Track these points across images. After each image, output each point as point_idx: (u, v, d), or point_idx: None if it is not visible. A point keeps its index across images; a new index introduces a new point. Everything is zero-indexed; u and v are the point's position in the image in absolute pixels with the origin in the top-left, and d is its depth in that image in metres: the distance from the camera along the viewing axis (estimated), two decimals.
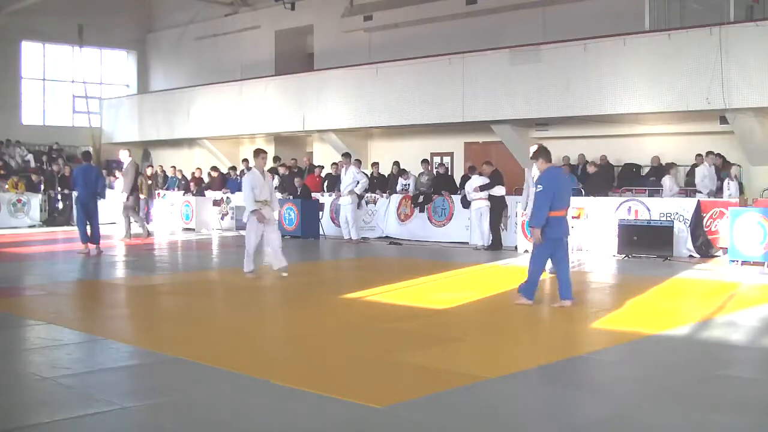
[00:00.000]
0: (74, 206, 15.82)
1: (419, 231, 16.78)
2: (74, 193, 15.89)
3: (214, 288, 10.48)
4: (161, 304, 9.06)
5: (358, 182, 16.66)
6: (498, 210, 14.93)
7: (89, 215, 13.54)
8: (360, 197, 17.10)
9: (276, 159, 21.21)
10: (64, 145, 27.77)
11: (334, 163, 19.67)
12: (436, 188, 16.87)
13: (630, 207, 13.98)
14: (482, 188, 14.90)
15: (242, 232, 18.75)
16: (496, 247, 14.74)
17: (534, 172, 9.68)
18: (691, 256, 13.09)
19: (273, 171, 20.58)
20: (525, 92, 17.19)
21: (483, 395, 5.02)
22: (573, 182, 16.22)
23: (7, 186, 21.83)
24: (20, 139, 26.44)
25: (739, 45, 14.33)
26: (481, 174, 15.23)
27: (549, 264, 8.74)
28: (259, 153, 10.57)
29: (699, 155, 15.69)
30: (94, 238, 13.51)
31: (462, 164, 20.53)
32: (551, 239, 8.12)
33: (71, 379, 5.27)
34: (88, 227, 13.49)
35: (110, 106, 29.14)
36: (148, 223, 21.58)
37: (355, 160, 18.53)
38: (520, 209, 13.35)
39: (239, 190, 20.65)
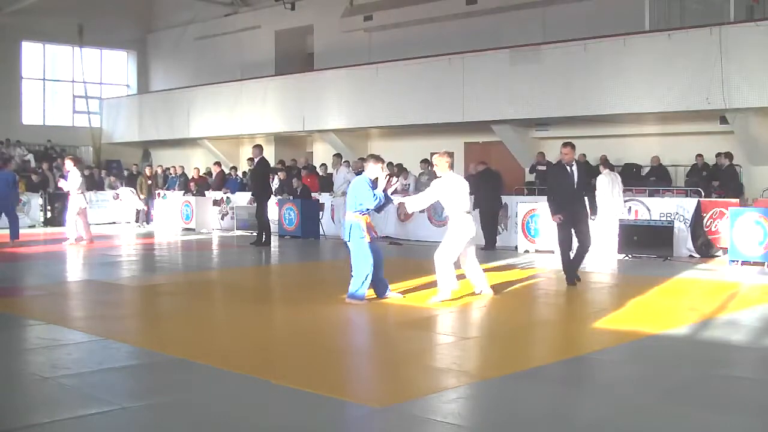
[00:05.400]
0: None
1: (419, 231, 16.75)
2: None
3: (214, 288, 10.48)
4: (161, 304, 9.06)
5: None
6: (488, 211, 14.86)
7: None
8: None
9: (281, 162, 21.26)
10: (64, 145, 27.81)
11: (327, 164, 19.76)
12: None
13: (630, 207, 13.99)
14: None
15: (242, 233, 18.84)
16: (489, 246, 14.68)
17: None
18: (691, 256, 13.09)
19: (272, 172, 20.62)
20: (525, 92, 17.19)
21: (483, 395, 5.02)
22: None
23: None
24: (20, 139, 26.45)
25: (739, 45, 14.33)
26: (471, 172, 15.36)
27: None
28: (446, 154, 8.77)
29: (699, 155, 15.71)
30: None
31: (463, 164, 20.55)
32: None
33: (71, 379, 5.26)
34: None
35: (110, 106, 29.14)
36: (148, 223, 21.70)
37: (345, 161, 18.54)
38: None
39: (240, 190, 20.75)
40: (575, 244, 9.76)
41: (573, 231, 9.62)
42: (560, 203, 9.57)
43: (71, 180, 15.56)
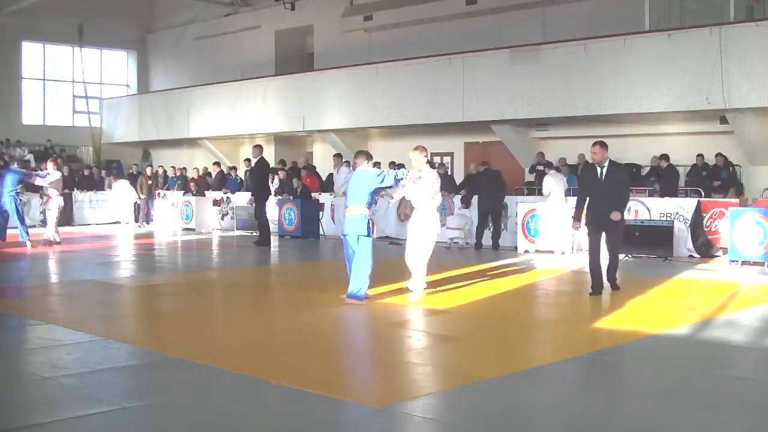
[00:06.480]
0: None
1: None
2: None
3: (214, 288, 10.47)
4: (161, 304, 9.06)
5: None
6: (492, 210, 14.85)
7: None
8: None
9: (281, 162, 21.27)
10: (64, 145, 27.81)
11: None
12: None
13: (630, 207, 13.95)
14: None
15: (242, 233, 18.85)
16: (493, 247, 14.69)
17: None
18: (691, 256, 13.09)
19: (272, 172, 20.62)
20: (525, 92, 17.19)
21: (483, 395, 5.02)
22: (572, 181, 16.24)
23: None
24: (20, 139, 26.46)
25: (739, 45, 14.32)
26: (472, 171, 15.40)
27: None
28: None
29: (699, 155, 15.71)
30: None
31: (462, 164, 20.55)
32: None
33: (71, 379, 5.27)
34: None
35: (110, 106, 29.15)
36: (148, 223, 21.70)
37: (345, 161, 18.54)
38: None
39: (239, 189, 20.76)
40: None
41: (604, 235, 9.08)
42: (582, 207, 9.12)
43: (55, 184, 15.43)
